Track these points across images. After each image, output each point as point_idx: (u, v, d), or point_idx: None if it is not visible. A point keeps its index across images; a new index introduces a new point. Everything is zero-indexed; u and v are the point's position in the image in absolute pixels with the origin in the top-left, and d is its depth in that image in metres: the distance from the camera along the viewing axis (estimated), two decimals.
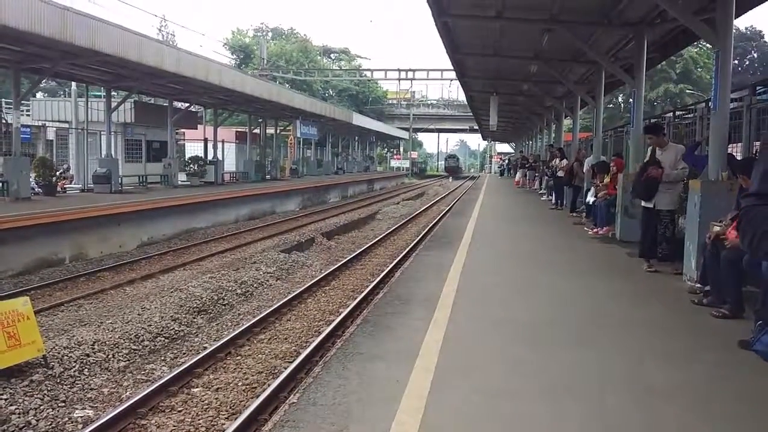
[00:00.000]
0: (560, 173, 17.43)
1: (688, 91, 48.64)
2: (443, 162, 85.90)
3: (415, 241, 15.20)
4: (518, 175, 33.17)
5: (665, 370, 4.51)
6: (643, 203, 8.33)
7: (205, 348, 7.31)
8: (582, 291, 7.27)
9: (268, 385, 5.88)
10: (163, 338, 7.76)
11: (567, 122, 26.66)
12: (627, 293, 7.15)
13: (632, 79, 11.65)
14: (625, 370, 4.50)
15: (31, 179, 16.22)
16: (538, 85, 20.88)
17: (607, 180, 12.16)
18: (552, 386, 4.15)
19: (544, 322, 5.83)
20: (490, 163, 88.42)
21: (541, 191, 23.83)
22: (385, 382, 4.22)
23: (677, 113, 12.44)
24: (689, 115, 11.59)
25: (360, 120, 44.08)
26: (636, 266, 8.59)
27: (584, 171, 15.11)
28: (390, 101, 71.50)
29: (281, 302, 9.42)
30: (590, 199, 13.17)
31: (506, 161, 57.38)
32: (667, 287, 7.35)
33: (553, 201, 18.55)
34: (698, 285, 6.77)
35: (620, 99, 52.71)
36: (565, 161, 17.58)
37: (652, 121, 12.79)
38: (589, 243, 11.22)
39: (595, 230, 12.06)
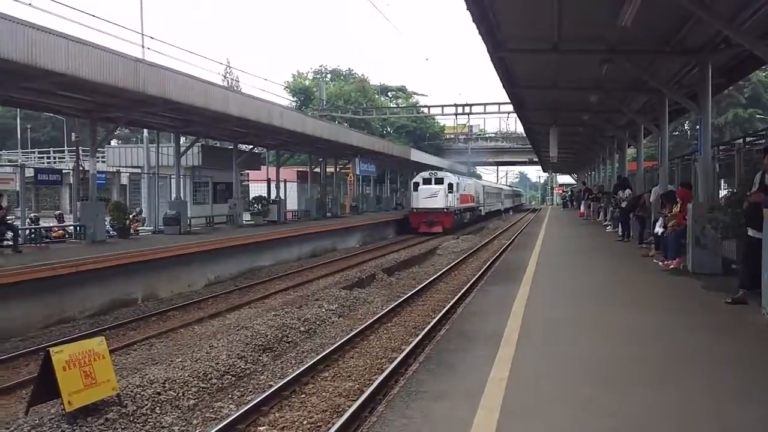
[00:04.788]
0: (624, 204, 16.99)
1: (758, 116, 46.68)
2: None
3: (476, 276, 15.04)
4: (582, 206, 32.54)
5: (747, 409, 4.26)
6: (750, 232, 7.75)
7: (271, 386, 7.41)
8: (654, 326, 6.97)
9: (333, 424, 5.88)
10: (230, 376, 7.91)
11: (631, 151, 26.04)
12: (704, 328, 6.81)
13: (697, 107, 11.32)
14: (704, 410, 4.28)
15: (106, 223, 17.02)
16: (599, 116, 20.54)
17: (676, 210, 11.75)
18: (625, 428, 3.98)
19: (614, 359, 5.62)
20: (552, 195, 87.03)
21: (606, 223, 23.21)
22: (450, 421, 4.15)
23: (747, 139, 11.97)
24: (760, 141, 11.14)
25: (418, 156, 44.36)
26: (713, 299, 8.19)
27: (651, 201, 14.67)
28: (448, 136, 71.69)
29: (344, 339, 9.47)
30: (659, 229, 12.74)
31: (569, 193, 56.37)
32: (747, 321, 6.97)
33: (620, 232, 18.02)
34: None
35: (687, 126, 51.09)
36: (629, 191, 17.16)
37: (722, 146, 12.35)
38: (659, 276, 10.79)
39: (665, 262, 11.61)
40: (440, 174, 35.36)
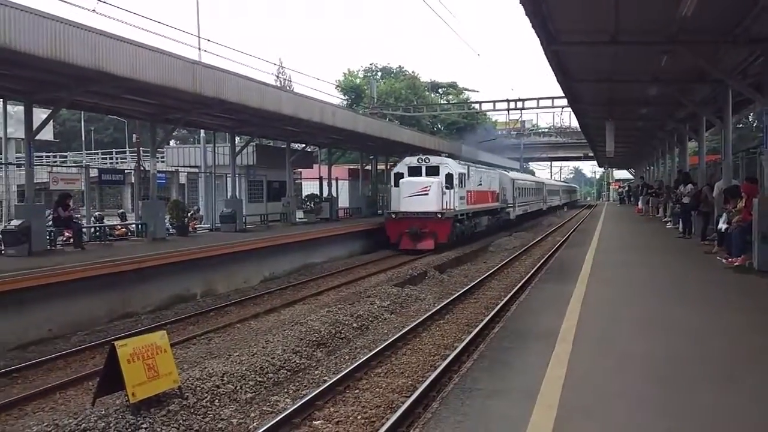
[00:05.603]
0: (686, 199, 16.42)
1: None
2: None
3: (530, 273, 14.82)
4: (640, 202, 31.67)
5: None
6: None
7: (325, 381, 7.50)
8: (718, 325, 6.74)
9: (387, 420, 5.92)
10: (285, 371, 8.04)
11: (692, 145, 25.13)
12: None
13: (763, 97, 10.84)
14: None
15: (166, 221, 17.54)
16: (658, 108, 19.90)
17: (741, 205, 11.29)
18: (685, 429, 3.86)
19: (675, 359, 5.45)
20: (608, 191, 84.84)
21: (665, 219, 22.49)
22: (506, 419, 4.12)
23: None
24: None
25: (468, 152, 43.99)
26: None
27: (714, 196, 14.14)
28: (500, 132, 70.79)
29: (396, 336, 9.50)
30: (722, 226, 12.26)
31: (626, 188, 54.87)
32: None
33: (680, 229, 17.43)
34: None
35: (751, 117, 48.85)
36: (690, 186, 16.58)
37: None
38: (723, 273, 10.40)
39: (729, 260, 11.17)
40: (435, 160, 23.59)
